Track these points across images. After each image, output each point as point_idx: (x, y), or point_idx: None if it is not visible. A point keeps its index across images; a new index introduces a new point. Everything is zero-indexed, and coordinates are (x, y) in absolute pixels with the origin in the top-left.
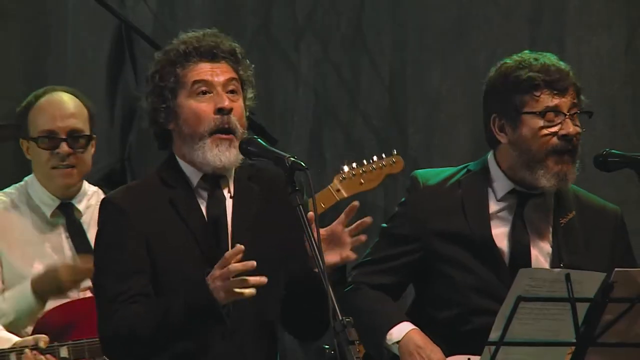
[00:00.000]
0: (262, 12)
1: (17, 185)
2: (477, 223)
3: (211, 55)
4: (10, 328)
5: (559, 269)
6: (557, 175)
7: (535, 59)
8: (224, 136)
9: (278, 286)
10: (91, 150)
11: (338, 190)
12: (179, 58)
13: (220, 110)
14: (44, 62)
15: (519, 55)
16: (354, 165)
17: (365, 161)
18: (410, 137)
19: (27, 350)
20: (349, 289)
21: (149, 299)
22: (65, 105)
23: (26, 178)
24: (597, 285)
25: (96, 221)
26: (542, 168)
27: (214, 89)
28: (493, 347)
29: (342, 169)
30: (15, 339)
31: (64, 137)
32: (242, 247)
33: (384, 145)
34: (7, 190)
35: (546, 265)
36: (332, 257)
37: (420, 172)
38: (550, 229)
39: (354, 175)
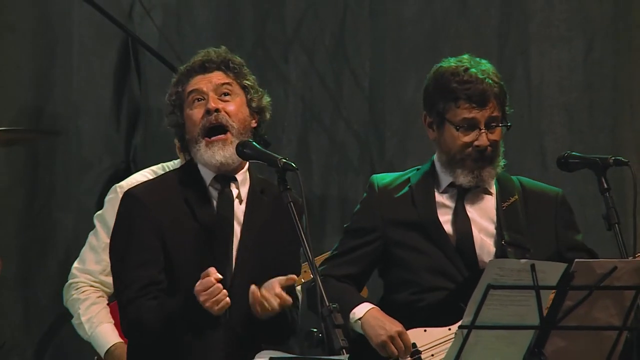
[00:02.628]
0: (257, 27)
1: None
2: (425, 210)
3: (203, 68)
4: None
5: (525, 260)
6: (472, 174)
7: (466, 70)
8: (215, 138)
9: None
10: None
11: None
12: (180, 78)
13: (207, 112)
14: (51, 71)
15: (457, 59)
16: None
17: None
18: (387, 141)
19: None
20: None
21: (159, 290)
22: None
23: None
24: (559, 274)
25: None
26: (459, 167)
27: (205, 95)
28: (465, 331)
29: None
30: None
31: None
32: (217, 275)
33: (363, 147)
34: None
35: (490, 245)
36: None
37: (376, 176)
38: (494, 212)
39: None
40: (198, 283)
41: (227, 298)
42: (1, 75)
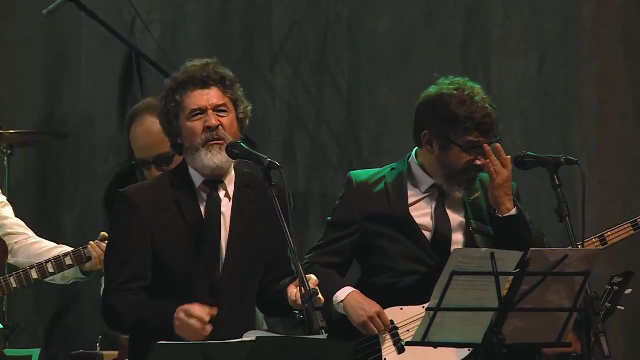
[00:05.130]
0: (246, 41)
1: None
2: (397, 205)
3: (203, 83)
4: None
5: (485, 249)
6: (466, 190)
7: (471, 99)
8: (214, 142)
9: (258, 275)
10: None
11: None
12: (178, 87)
13: (209, 128)
14: (61, 80)
15: (455, 86)
16: None
17: None
18: (364, 142)
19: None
20: (304, 267)
21: (142, 287)
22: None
23: None
24: (516, 262)
25: None
26: (456, 184)
27: (205, 112)
28: (432, 313)
29: None
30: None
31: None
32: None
33: (342, 148)
34: None
35: (461, 235)
36: None
37: (353, 173)
38: (462, 207)
39: None
40: (187, 309)
41: (207, 330)
42: (16, 84)
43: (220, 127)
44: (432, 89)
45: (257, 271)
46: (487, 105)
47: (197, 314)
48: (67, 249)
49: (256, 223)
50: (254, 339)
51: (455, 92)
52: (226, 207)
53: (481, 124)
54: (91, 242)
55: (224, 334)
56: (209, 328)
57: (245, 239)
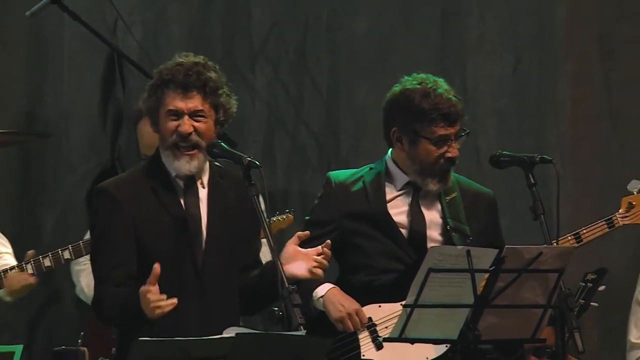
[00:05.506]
0: (226, 42)
1: None
2: (376, 204)
3: (183, 87)
4: None
5: (461, 246)
6: (441, 182)
7: (434, 91)
8: (185, 152)
9: (238, 259)
10: None
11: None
12: (161, 83)
13: (179, 134)
14: (43, 80)
15: (418, 81)
16: None
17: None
18: (342, 142)
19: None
20: None
21: (127, 275)
22: None
23: None
24: (491, 259)
25: None
26: (430, 176)
27: (182, 115)
28: (409, 309)
29: None
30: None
31: None
32: (158, 271)
33: (321, 148)
34: None
35: (438, 233)
36: (297, 270)
37: (332, 173)
38: (439, 205)
39: None
40: (143, 288)
41: (163, 305)
42: None
43: (193, 133)
44: (397, 87)
45: (237, 254)
46: (451, 96)
47: (150, 290)
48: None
49: (231, 210)
50: (233, 335)
51: (418, 86)
52: (203, 193)
53: (447, 114)
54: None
55: (211, 317)
56: (165, 303)
57: (223, 223)
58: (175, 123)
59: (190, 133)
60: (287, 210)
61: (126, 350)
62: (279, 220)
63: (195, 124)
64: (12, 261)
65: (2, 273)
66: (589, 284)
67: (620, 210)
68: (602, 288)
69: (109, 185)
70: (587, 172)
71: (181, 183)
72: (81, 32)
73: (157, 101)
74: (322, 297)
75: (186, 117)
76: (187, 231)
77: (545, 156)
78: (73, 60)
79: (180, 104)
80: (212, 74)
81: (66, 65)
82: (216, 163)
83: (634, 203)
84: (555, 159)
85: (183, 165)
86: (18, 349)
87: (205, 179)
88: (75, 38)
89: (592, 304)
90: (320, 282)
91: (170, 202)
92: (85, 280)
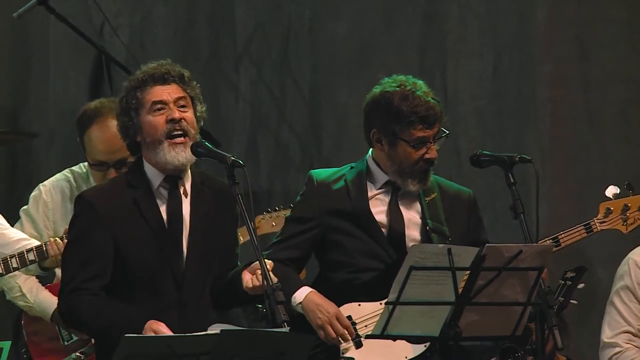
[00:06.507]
0: (211, 44)
1: None
2: (358, 202)
3: (163, 79)
4: None
5: (442, 245)
6: (420, 183)
7: (413, 93)
8: (178, 140)
9: (217, 272)
10: None
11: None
12: (138, 84)
13: (172, 120)
14: (28, 81)
15: (397, 83)
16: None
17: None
18: (324, 142)
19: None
20: None
21: (100, 287)
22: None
23: None
24: (472, 257)
25: None
26: (409, 178)
27: (167, 105)
28: (391, 306)
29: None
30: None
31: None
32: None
33: (304, 147)
34: None
35: (417, 233)
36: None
37: (314, 171)
38: (419, 206)
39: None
40: (157, 329)
41: None
42: None
43: (183, 120)
44: (376, 89)
45: (216, 264)
46: (430, 99)
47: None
48: (34, 242)
49: (212, 220)
50: (218, 331)
51: (397, 88)
52: (185, 204)
53: (425, 116)
54: (50, 239)
55: (190, 327)
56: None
57: (204, 233)
58: (163, 114)
59: (181, 119)
60: (280, 207)
61: (106, 349)
62: (271, 217)
63: (182, 112)
64: (34, 242)
65: (43, 245)
66: (569, 282)
67: (598, 216)
68: (581, 286)
69: (90, 196)
70: (566, 171)
71: (165, 193)
72: (68, 33)
73: (137, 103)
74: (300, 303)
75: (172, 104)
76: (168, 244)
77: (524, 156)
78: (60, 62)
79: (163, 94)
80: (185, 71)
81: (52, 66)
82: (197, 169)
83: (611, 208)
84: (534, 159)
85: (179, 155)
86: (6, 345)
87: (188, 186)
88: (62, 40)
89: (571, 301)
90: (297, 285)
91: (151, 215)
92: (27, 285)
